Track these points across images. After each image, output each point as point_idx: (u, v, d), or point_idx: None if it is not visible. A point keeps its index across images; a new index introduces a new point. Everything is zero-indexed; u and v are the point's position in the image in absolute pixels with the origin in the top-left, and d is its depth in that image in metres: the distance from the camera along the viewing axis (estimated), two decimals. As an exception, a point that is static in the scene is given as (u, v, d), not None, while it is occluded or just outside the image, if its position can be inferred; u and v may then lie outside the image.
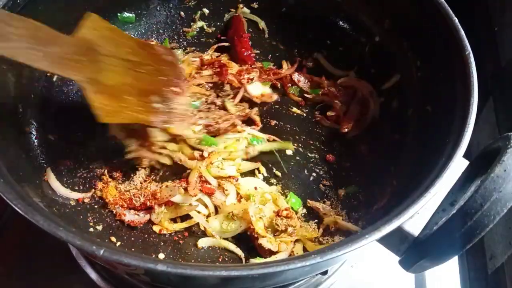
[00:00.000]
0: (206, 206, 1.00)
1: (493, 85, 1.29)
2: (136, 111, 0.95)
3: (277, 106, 1.22)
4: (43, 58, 0.82)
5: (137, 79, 0.97)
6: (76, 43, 0.89)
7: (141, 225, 0.98)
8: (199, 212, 0.99)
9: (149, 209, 0.99)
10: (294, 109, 1.22)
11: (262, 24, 1.33)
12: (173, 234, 0.98)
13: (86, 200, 1.00)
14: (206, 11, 1.33)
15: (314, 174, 1.10)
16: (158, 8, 1.28)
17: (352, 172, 1.09)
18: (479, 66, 0.86)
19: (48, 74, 1.09)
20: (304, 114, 1.21)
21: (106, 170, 1.04)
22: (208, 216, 1.00)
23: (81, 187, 1.02)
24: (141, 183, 1.03)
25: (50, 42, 0.84)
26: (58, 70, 0.86)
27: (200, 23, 1.32)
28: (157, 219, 0.97)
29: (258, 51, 1.31)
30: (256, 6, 1.32)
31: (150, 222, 0.99)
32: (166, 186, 0.99)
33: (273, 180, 1.08)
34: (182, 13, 1.31)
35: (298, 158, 1.13)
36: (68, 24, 1.10)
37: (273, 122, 1.19)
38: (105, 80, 0.91)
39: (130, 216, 0.97)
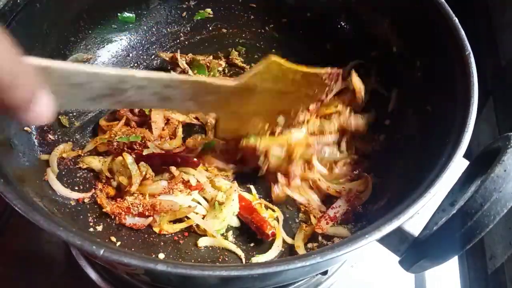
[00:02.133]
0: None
1: (493, 85, 1.29)
2: (252, 125, 0.96)
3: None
4: (194, 105, 0.85)
5: (273, 104, 0.96)
6: (234, 89, 0.88)
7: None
8: (197, 213, 0.98)
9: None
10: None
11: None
12: (173, 234, 0.98)
13: (86, 200, 1.00)
14: (208, 11, 1.32)
15: (314, 174, 1.09)
16: (158, 8, 1.28)
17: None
18: (479, 66, 0.86)
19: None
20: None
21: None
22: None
23: (81, 187, 1.02)
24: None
25: (207, 93, 0.85)
26: (202, 110, 0.89)
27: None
28: (157, 223, 0.97)
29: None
30: (254, 5, 1.32)
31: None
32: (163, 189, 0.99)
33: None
34: (184, 13, 1.30)
35: (298, 158, 1.13)
36: (68, 23, 1.11)
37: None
38: (242, 110, 0.93)
39: (130, 220, 0.96)
